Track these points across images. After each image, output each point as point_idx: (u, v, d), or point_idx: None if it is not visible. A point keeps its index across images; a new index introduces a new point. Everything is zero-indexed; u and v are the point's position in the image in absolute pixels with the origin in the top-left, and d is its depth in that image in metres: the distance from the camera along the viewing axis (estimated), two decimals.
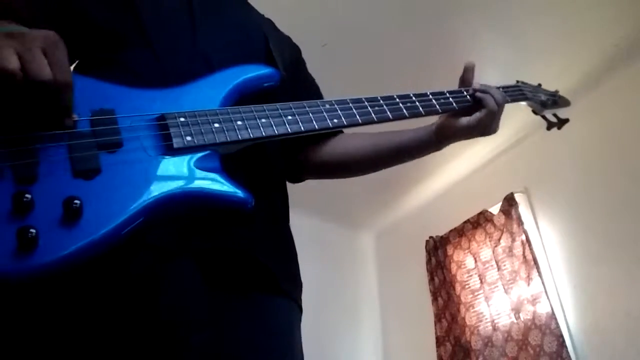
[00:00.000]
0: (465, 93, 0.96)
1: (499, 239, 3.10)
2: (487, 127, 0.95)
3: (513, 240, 3.00)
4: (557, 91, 1.12)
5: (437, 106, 0.91)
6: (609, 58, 2.71)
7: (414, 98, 0.89)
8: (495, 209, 3.21)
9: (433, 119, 0.97)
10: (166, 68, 0.76)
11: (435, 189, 3.74)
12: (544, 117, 1.10)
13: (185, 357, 0.62)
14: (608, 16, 2.46)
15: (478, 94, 0.95)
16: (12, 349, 0.56)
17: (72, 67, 0.65)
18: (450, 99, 0.94)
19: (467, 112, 0.94)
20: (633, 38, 2.59)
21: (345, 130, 1.00)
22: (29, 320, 0.57)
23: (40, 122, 0.58)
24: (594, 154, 2.82)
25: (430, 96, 0.92)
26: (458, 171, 3.54)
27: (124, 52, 0.76)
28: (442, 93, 0.94)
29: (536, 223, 3.02)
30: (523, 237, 2.94)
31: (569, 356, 2.55)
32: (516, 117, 2.95)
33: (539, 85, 1.11)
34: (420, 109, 0.89)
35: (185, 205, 0.63)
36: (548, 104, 1.09)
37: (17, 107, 0.56)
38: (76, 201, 0.55)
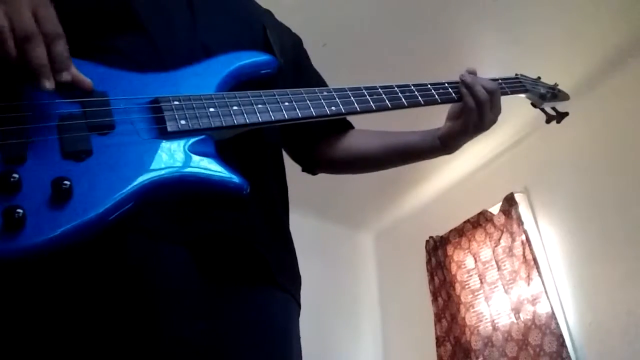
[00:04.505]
0: (449, 89, 0.93)
1: (499, 239, 3.10)
2: (477, 123, 0.92)
3: (513, 240, 2.99)
4: (556, 84, 1.12)
5: (437, 96, 0.91)
6: (609, 58, 2.71)
7: (413, 88, 0.89)
8: (495, 209, 3.21)
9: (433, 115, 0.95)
10: (164, 57, 0.75)
11: (435, 189, 3.73)
12: (543, 110, 1.10)
13: (179, 350, 0.61)
14: (609, 16, 2.46)
15: (462, 89, 0.92)
16: None
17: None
18: (450, 89, 0.93)
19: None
20: (633, 38, 2.59)
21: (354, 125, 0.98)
22: (12, 307, 0.55)
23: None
24: (594, 154, 2.81)
25: (430, 87, 0.91)
26: (458, 171, 3.54)
27: (120, 40, 0.75)
28: (442, 84, 0.93)
29: (536, 223, 3.02)
30: (523, 237, 2.93)
31: (569, 356, 2.54)
32: (516, 116, 2.95)
33: (539, 78, 1.12)
34: (420, 98, 0.89)
35: (179, 190, 0.62)
36: (547, 97, 1.09)
37: (11, 72, 0.55)
38: (66, 182, 0.53)
